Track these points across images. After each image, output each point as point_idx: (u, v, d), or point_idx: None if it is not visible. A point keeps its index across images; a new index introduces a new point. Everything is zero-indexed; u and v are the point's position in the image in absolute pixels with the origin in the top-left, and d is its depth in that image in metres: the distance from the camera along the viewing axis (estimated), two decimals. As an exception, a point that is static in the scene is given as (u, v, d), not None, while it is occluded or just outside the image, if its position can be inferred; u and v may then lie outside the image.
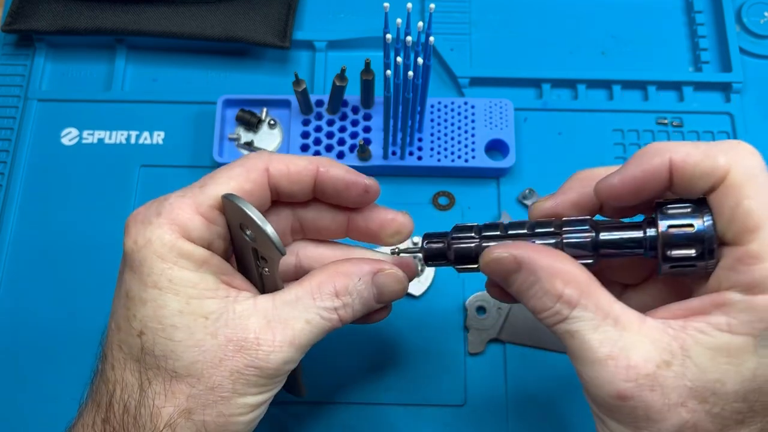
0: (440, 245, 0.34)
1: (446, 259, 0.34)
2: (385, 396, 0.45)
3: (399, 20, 0.38)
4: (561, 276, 0.28)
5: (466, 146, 0.49)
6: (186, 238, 0.30)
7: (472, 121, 0.50)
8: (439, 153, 0.49)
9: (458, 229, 0.33)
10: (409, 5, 0.38)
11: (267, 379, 0.30)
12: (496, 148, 0.50)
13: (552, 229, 0.31)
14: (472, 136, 0.49)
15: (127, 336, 0.30)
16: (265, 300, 0.31)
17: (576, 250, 0.30)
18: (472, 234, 0.33)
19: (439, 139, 0.49)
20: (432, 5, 0.40)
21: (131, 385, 0.30)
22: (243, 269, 0.34)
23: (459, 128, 0.50)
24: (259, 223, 0.29)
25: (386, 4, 0.37)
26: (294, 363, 0.31)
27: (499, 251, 0.30)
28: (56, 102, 0.53)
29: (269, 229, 0.30)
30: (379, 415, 0.44)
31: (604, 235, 0.30)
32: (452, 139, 0.49)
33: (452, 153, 0.49)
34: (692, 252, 0.28)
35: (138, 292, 0.30)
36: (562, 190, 0.33)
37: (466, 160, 0.49)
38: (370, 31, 0.54)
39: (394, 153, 0.49)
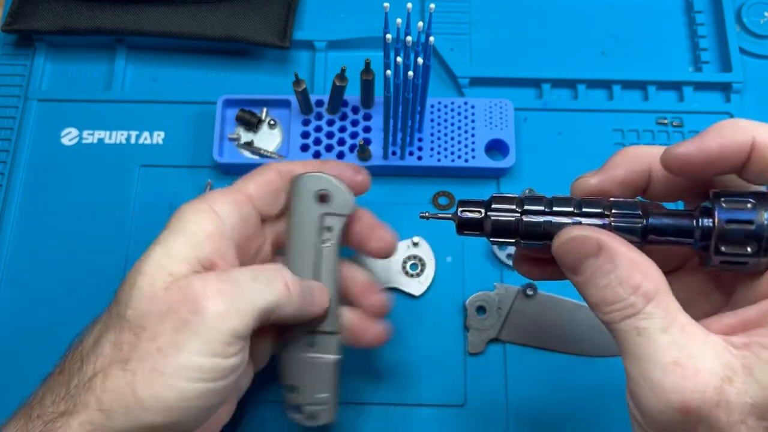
0: (477, 215, 0.31)
1: (481, 230, 0.31)
2: (385, 396, 0.45)
3: (399, 20, 0.38)
4: (640, 268, 0.27)
5: (466, 146, 0.49)
6: (214, 212, 0.35)
7: (472, 121, 0.50)
8: (439, 153, 0.49)
9: (497, 199, 0.31)
10: (409, 5, 0.38)
11: (204, 332, 0.30)
12: (496, 148, 0.50)
13: (601, 210, 0.29)
14: (472, 136, 0.49)
15: (117, 293, 0.33)
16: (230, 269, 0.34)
17: (623, 235, 0.29)
18: (513, 207, 0.30)
19: (439, 139, 0.49)
20: (432, 5, 0.40)
21: (93, 338, 0.32)
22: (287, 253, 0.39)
23: (459, 128, 0.50)
24: (333, 180, 0.37)
25: (386, 4, 0.37)
26: (233, 319, 0.31)
27: (580, 231, 0.28)
28: (56, 102, 0.53)
29: (340, 183, 0.38)
30: (379, 415, 0.44)
31: (654, 221, 0.29)
32: (452, 139, 0.49)
33: (452, 153, 0.49)
34: (748, 249, 0.27)
35: (151, 246, 0.33)
36: (609, 165, 0.31)
37: (466, 160, 0.49)
38: (370, 31, 0.54)
39: (394, 153, 0.49)
